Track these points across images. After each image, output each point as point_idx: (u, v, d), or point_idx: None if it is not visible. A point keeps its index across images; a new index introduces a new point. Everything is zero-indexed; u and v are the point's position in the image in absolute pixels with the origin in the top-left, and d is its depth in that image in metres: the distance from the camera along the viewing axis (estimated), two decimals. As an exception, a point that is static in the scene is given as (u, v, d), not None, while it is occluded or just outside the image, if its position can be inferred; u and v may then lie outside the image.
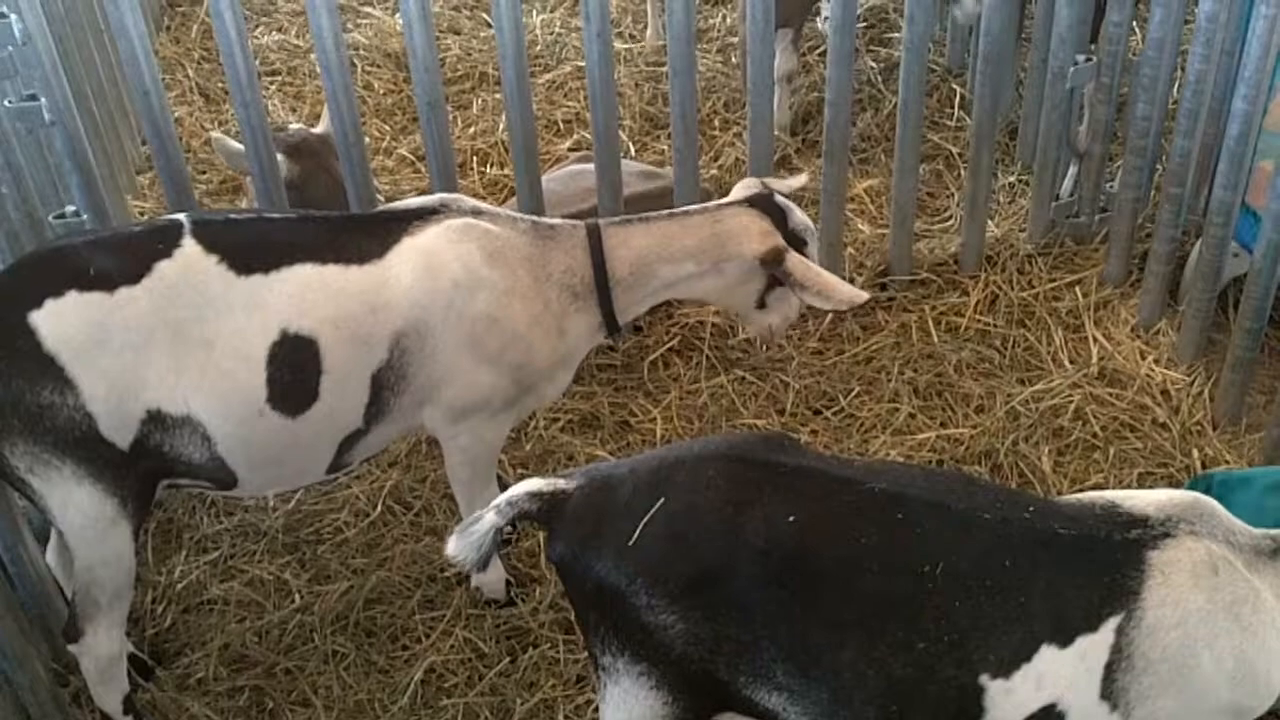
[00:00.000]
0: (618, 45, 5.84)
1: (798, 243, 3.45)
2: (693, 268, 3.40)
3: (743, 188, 3.56)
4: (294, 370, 3.00)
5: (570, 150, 5.27)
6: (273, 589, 3.76)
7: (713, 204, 3.48)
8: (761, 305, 3.54)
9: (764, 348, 4.46)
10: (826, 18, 5.01)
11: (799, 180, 3.68)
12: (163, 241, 2.95)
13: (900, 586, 2.48)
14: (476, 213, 3.25)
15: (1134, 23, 5.11)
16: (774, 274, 3.42)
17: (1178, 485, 3.83)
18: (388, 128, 5.45)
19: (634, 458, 2.78)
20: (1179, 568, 2.51)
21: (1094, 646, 2.49)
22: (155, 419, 2.93)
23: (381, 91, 5.64)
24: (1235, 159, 3.93)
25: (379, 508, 3.95)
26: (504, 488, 3.60)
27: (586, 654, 2.81)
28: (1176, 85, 4.68)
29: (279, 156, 3.97)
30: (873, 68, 5.75)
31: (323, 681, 3.51)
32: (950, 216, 5.01)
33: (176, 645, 3.63)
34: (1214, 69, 4.10)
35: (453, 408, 3.27)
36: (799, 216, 3.50)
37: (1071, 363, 4.40)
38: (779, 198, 3.51)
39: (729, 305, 3.68)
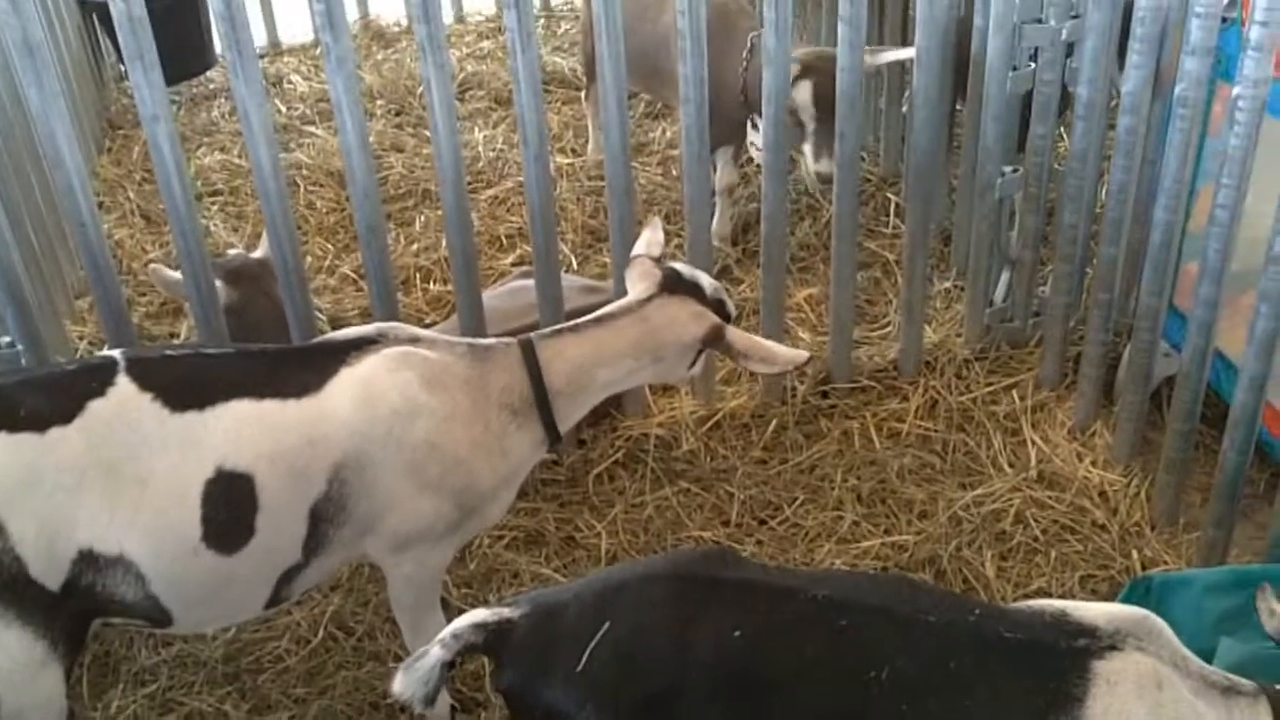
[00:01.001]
0: (560, 160, 5.94)
1: (718, 306, 3.49)
2: (631, 364, 3.41)
3: (642, 273, 3.49)
4: (230, 507, 2.97)
5: (514, 265, 5.32)
6: (213, 721, 3.71)
7: (634, 300, 3.44)
8: (691, 367, 3.56)
9: (708, 460, 4.50)
10: (753, 142, 5.13)
11: (659, 233, 3.67)
12: (96, 380, 2.93)
13: (846, 695, 2.51)
14: (414, 340, 3.27)
15: (1062, 130, 5.26)
16: (715, 349, 3.45)
17: (1119, 587, 3.87)
18: (330, 246, 5.48)
19: (578, 582, 2.79)
20: (1124, 678, 2.53)
21: None
22: (87, 559, 2.89)
23: (324, 210, 5.69)
24: (1159, 266, 4.03)
25: (320, 633, 3.90)
26: (447, 608, 3.61)
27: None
28: (1104, 191, 4.81)
29: (217, 282, 3.98)
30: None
31: (264, 817, 3.45)
32: (888, 323, 5.09)
33: (113, 783, 3.57)
34: (1135, 179, 4.22)
35: (395, 536, 3.25)
36: (708, 282, 3.52)
37: (1011, 466, 4.45)
38: (683, 270, 3.52)
39: (669, 382, 3.67)
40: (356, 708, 3.72)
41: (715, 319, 3.41)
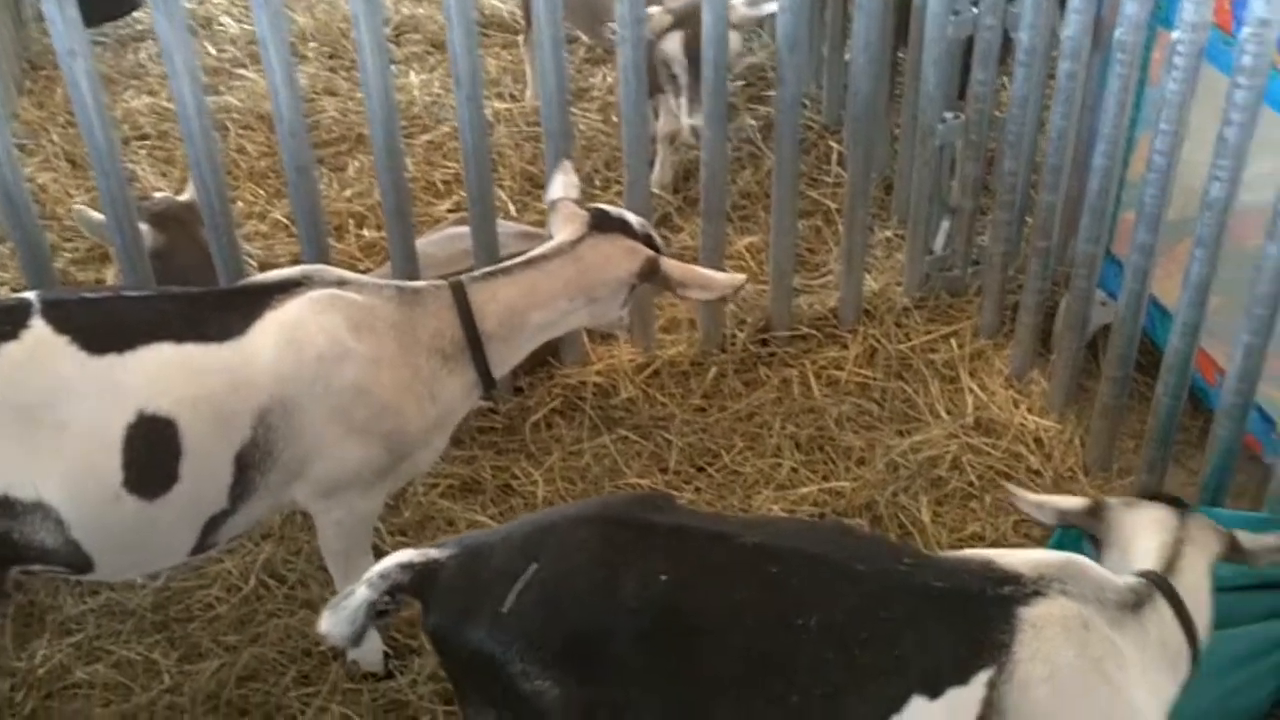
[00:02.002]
0: (498, 105, 5.85)
1: (646, 241, 3.47)
2: (565, 305, 3.38)
3: (567, 215, 3.47)
4: (152, 452, 2.91)
5: (450, 211, 5.24)
6: (141, 670, 3.64)
7: (565, 241, 3.41)
8: (623, 306, 3.54)
9: (647, 408, 4.47)
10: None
11: (573, 175, 3.66)
12: (9, 323, 2.86)
13: (774, 640, 2.51)
14: (341, 283, 3.20)
15: (1004, 79, 5.24)
16: (651, 282, 3.44)
17: (1052, 532, 3.89)
18: (262, 191, 5.37)
19: (507, 524, 2.78)
20: (1049, 623, 2.56)
21: (964, 700, 2.52)
22: (3, 506, 2.83)
23: (255, 155, 5.57)
24: (1096, 213, 4.03)
25: (252, 581, 3.86)
26: (381, 557, 3.56)
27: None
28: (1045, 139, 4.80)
29: (143, 226, 3.89)
30: (752, 125, 5.81)
31: (192, 766, 3.41)
32: (829, 272, 5.07)
33: (38, 734, 3.51)
34: (1074, 125, 4.20)
35: (323, 482, 3.21)
36: (635, 219, 3.52)
37: (948, 413, 4.46)
38: (609, 209, 3.52)
39: (600, 325, 3.66)
40: (289, 655, 3.68)
41: (649, 252, 3.40)
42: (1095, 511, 2.94)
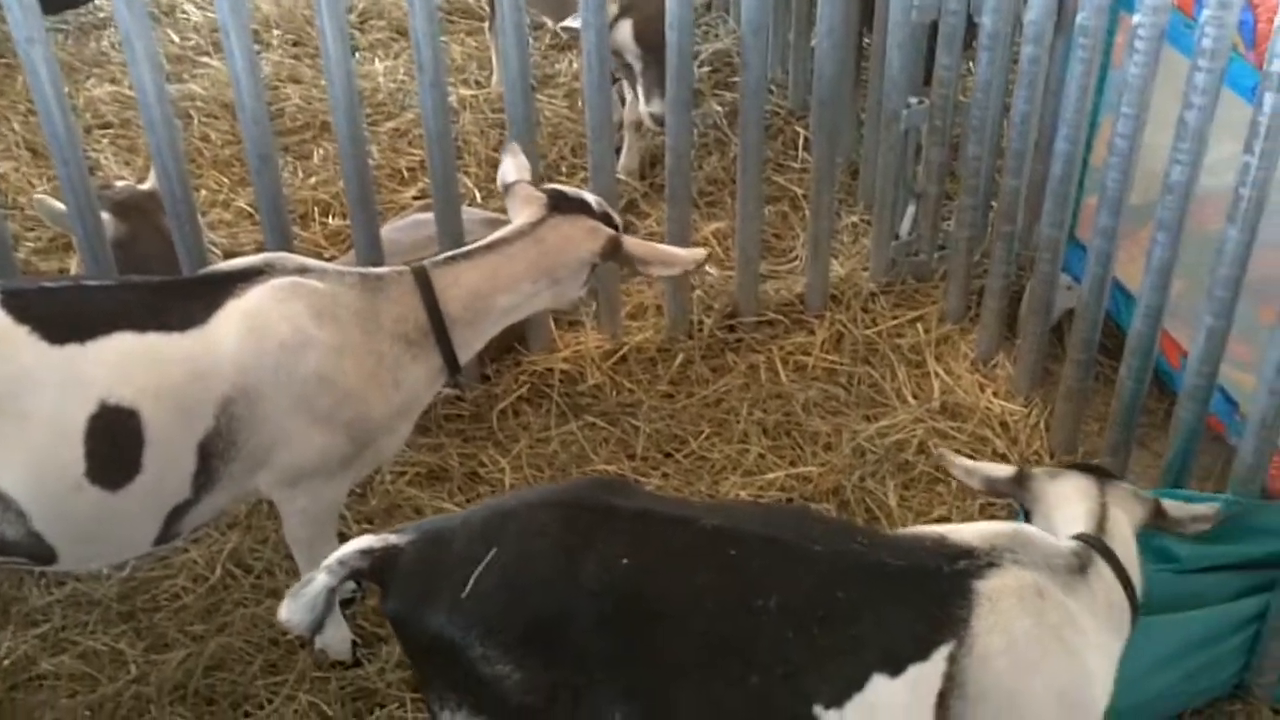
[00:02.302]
0: (463, 92, 5.82)
1: (605, 219, 3.48)
2: (529, 288, 3.38)
3: (525, 198, 3.46)
4: (114, 442, 2.90)
5: (415, 199, 5.23)
6: (107, 660, 3.63)
7: (526, 223, 3.40)
8: (583, 286, 3.54)
9: (614, 395, 4.48)
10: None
11: (523, 157, 3.64)
12: None
13: (734, 622, 2.54)
14: (302, 270, 3.19)
15: (969, 64, 5.25)
16: (613, 261, 3.45)
17: (1017, 514, 3.92)
18: (226, 179, 5.34)
19: (467, 510, 2.78)
20: (1005, 594, 2.60)
21: (925, 675, 2.55)
22: (-38, 497, 2.81)
23: (219, 143, 5.53)
24: (1059, 197, 4.05)
25: (218, 571, 3.84)
26: (348, 545, 3.56)
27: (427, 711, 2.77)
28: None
29: (105, 215, 3.86)
30: (717, 111, 5.81)
31: (159, 756, 3.40)
32: (796, 257, 5.08)
33: (3, 727, 3.49)
34: (1037, 109, 4.22)
35: (288, 471, 3.20)
36: (593, 199, 3.53)
37: (914, 398, 4.48)
38: (566, 189, 3.53)
39: (561, 305, 3.70)
40: (256, 644, 3.67)
41: (610, 231, 3.41)
42: (1020, 480, 3.00)
